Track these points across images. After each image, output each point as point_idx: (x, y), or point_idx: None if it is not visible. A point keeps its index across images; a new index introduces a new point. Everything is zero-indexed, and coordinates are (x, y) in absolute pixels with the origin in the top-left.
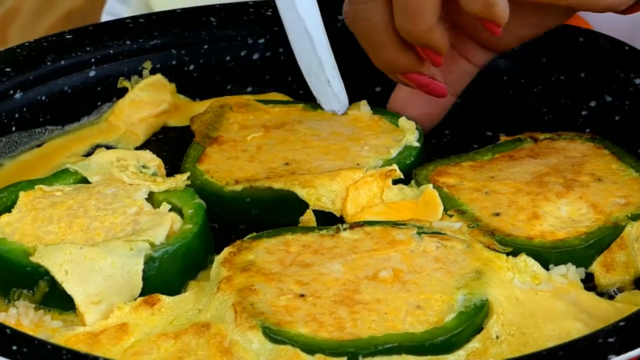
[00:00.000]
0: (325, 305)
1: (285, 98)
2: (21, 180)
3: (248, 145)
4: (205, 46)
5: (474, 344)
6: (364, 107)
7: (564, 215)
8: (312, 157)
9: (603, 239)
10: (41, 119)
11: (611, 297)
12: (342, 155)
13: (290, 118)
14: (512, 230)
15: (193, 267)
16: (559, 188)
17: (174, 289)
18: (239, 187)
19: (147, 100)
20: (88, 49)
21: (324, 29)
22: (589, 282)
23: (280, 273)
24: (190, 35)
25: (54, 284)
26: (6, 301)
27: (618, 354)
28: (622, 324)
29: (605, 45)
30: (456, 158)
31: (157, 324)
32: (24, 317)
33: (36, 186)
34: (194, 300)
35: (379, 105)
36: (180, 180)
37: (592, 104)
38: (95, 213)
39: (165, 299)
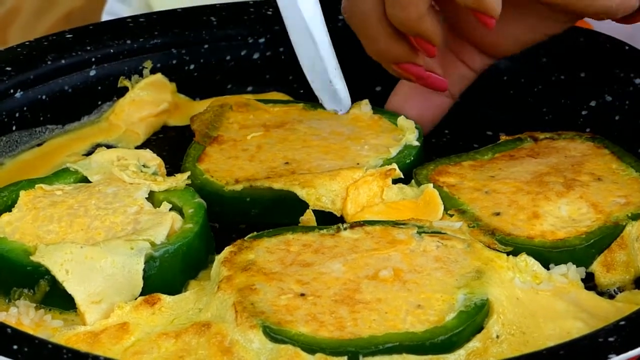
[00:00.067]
0: (325, 304)
1: (286, 97)
2: (22, 179)
3: (248, 144)
4: (206, 45)
5: (475, 344)
6: (365, 106)
7: (564, 215)
8: (312, 157)
9: (603, 239)
10: (42, 118)
11: (611, 297)
12: (342, 154)
13: (290, 117)
14: (512, 229)
15: (193, 267)
16: (559, 188)
17: (174, 289)
18: (238, 187)
19: (148, 99)
20: (88, 48)
21: (326, 28)
22: (589, 282)
23: (280, 272)
24: (191, 35)
25: (54, 284)
26: (7, 300)
27: (618, 353)
28: (622, 323)
29: (605, 45)
30: (456, 157)
31: (157, 324)
32: (24, 316)
33: (37, 185)
34: (194, 299)
35: (379, 104)
36: (181, 179)
37: (592, 103)
38: (95, 212)
39: (165, 298)
